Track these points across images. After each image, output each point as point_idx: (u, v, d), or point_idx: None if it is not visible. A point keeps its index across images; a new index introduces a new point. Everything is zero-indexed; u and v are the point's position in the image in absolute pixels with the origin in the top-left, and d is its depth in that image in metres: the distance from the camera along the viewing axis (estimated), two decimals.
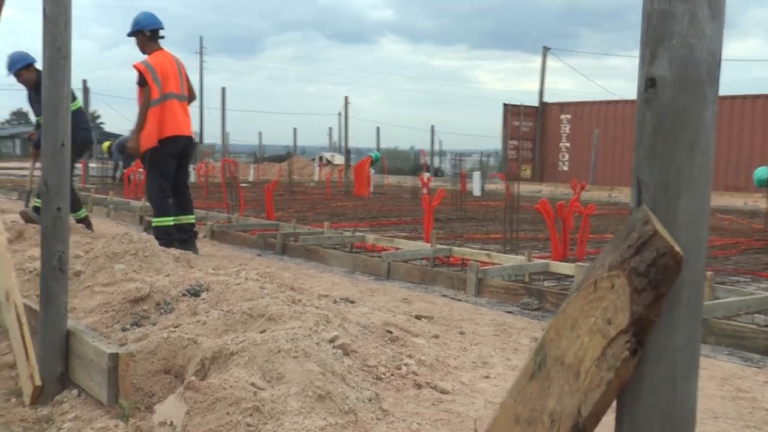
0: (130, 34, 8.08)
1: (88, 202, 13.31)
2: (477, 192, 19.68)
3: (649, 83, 1.15)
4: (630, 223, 1.16)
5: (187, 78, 8.15)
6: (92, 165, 23.12)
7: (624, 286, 1.13)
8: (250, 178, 27.34)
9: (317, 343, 3.28)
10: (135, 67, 7.84)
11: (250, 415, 2.75)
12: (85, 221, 9.20)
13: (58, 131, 3.38)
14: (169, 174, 7.87)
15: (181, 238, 7.83)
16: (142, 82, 7.76)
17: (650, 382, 1.14)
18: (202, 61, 61.49)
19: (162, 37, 8.12)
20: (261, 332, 3.55)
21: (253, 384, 2.93)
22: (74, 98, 8.97)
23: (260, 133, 47.50)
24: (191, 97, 8.17)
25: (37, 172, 11.55)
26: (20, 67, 8.61)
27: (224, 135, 28.80)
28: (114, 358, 3.10)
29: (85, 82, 26.37)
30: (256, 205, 14.02)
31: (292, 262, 7.89)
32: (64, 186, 3.42)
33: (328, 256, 7.80)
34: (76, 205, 9.32)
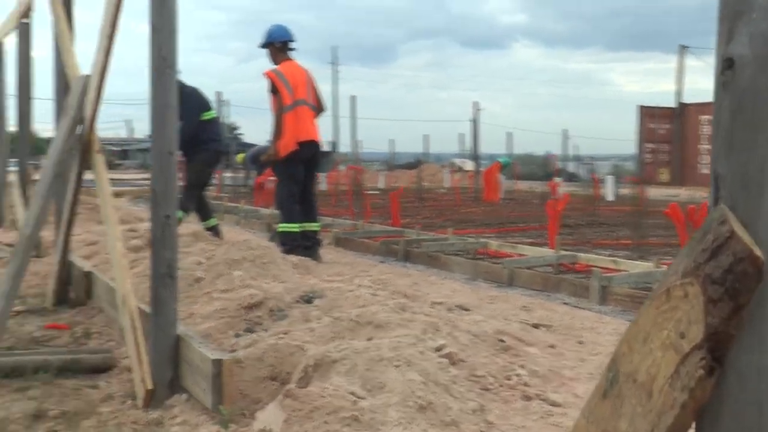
0: (261, 46, 8.27)
1: (220, 210, 13.67)
2: (610, 197, 19.12)
3: (726, 64, 1.00)
4: (706, 223, 1.02)
5: (316, 89, 8.24)
6: (227, 174, 23.79)
7: (698, 296, 0.99)
8: (380, 186, 27.49)
9: (421, 352, 3.19)
10: (266, 74, 8.00)
11: (348, 425, 2.69)
12: (215, 230, 9.41)
13: (164, 139, 3.43)
14: (299, 179, 7.96)
15: (304, 245, 7.90)
16: (274, 90, 7.92)
17: (732, 406, 1.00)
18: (335, 71, 62.58)
19: (292, 49, 8.27)
20: (368, 340, 3.50)
21: (352, 393, 2.87)
22: (209, 108, 9.23)
23: (391, 141, 47.89)
24: (320, 108, 8.26)
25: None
26: None
27: (354, 143, 29.10)
28: (218, 364, 3.10)
29: (219, 94, 27.14)
30: (384, 213, 14.06)
31: (414, 269, 7.84)
32: (172, 194, 3.46)
33: (450, 262, 7.71)
34: (207, 213, 9.56)
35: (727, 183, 1.00)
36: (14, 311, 5.42)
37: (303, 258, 6.31)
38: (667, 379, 1.03)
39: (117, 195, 20.66)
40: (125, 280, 3.84)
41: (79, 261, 6.15)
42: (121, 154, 63.90)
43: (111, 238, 4.06)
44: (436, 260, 7.93)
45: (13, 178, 9.60)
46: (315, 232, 8.12)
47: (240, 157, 26.15)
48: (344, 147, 50.57)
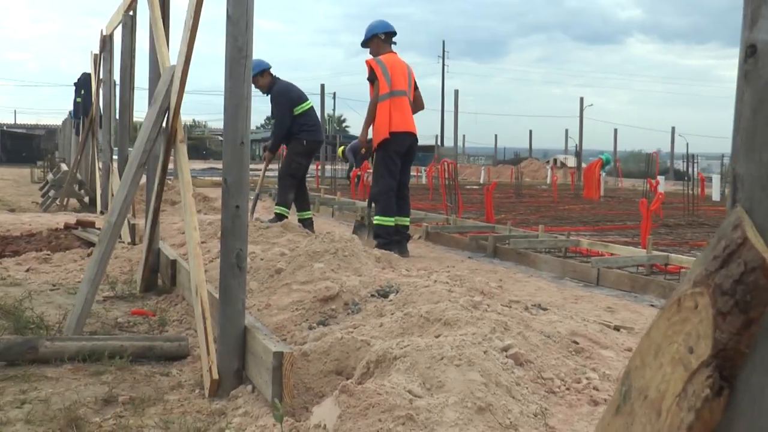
0: (365, 42, 8.26)
1: (315, 202, 13.79)
2: (716, 197, 18.45)
3: (748, 51, 0.90)
4: (722, 228, 0.92)
5: (416, 87, 8.20)
6: (328, 166, 24.00)
7: (707, 307, 0.89)
8: (481, 181, 27.29)
9: (485, 352, 3.10)
10: (366, 63, 8.01)
11: (403, 424, 2.63)
12: (308, 222, 9.48)
13: (237, 130, 3.44)
14: (396, 173, 7.94)
15: (394, 239, 7.87)
16: (372, 78, 7.93)
17: (745, 431, 0.90)
18: (444, 65, 62.38)
19: (394, 43, 8.25)
20: (436, 337, 3.43)
21: (410, 391, 2.81)
22: (301, 101, 9.31)
23: (495, 136, 47.43)
24: (419, 105, 8.24)
25: (270, 173, 12.10)
26: (255, 73, 9.03)
27: (456, 137, 28.97)
28: (279, 356, 3.09)
29: (323, 87, 27.29)
30: (480, 208, 13.92)
31: (501, 265, 7.72)
32: (243, 184, 3.47)
33: (538, 260, 7.56)
34: (304, 205, 9.64)
35: (746, 184, 0.90)
36: (104, 296, 5.59)
37: (386, 252, 6.27)
38: (675, 398, 0.93)
39: (216, 185, 21.21)
40: (200, 268, 3.88)
41: (168, 249, 6.28)
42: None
43: (188, 228, 4.11)
44: (525, 257, 7.79)
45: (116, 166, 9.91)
46: (405, 227, 8.08)
47: (341, 149, 26.41)
48: (448, 141, 50.31)
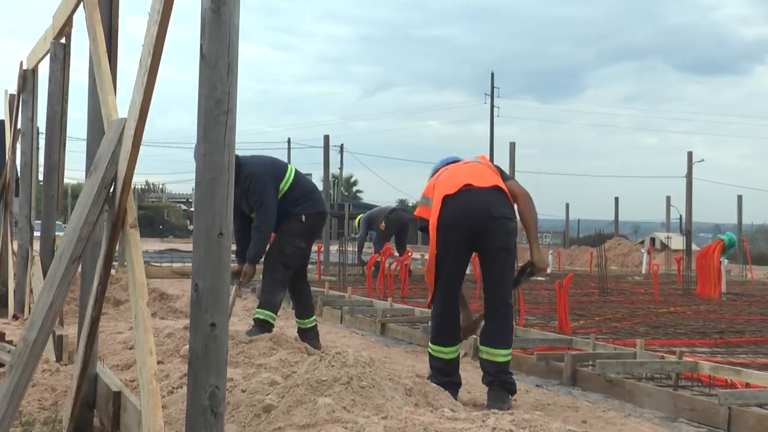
0: None
1: (318, 302, 13.75)
2: None
3: None
4: None
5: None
6: (332, 249, 24.07)
7: None
8: (548, 269, 27.18)
9: None
10: None
11: None
12: (310, 333, 9.40)
13: (214, 215, 3.42)
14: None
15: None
16: None
17: None
18: (493, 107, 63.08)
19: None
20: None
21: None
22: (284, 173, 9.30)
23: (567, 205, 47.58)
24: None
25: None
26: None
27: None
28: None
29: (327, 139, 27.58)
30: (549, 310, 13.83)
31: (584, 398, 7.61)
32: (222, 292, 3.43)
33: (638, 391, 7.44)
34: (305, 308, 9.55)
35: None
36: None
37: (420, 380, 6.18)
38: None
39: (183, 274, 21.21)
40: (156, 411, 3.81)
41: (109, 375, 6.21)
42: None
43: (141, 350, 4.06)
44: (618, 387, 7.67)
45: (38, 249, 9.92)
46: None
47: (358, 219, 26.48)
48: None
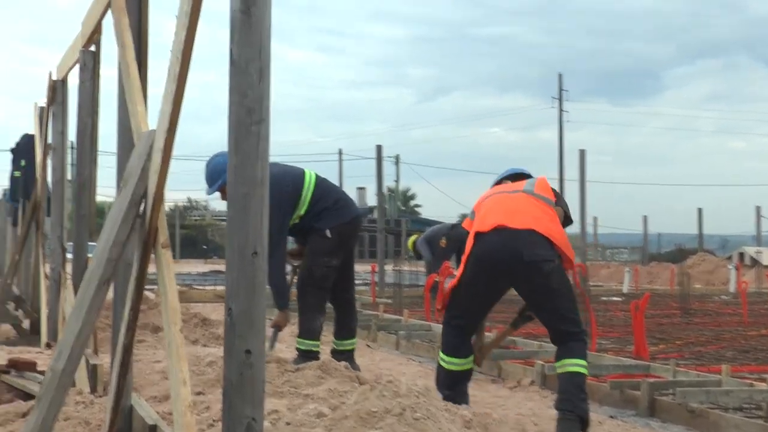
0: None
1: (371, 326, 13.75)
2: None
3: None
4: None
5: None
6: (387, 268, 24.08)
7: None
8: (624, 289, 27.03)
9: None
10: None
11: None
12: (346, 355, 9.34)
13: (248, 233, 3.42)
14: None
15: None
16: None
17: None
18: (561, 110, 62.76)
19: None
20: None
21: None
22: (301, 184, 9.11)
23: (645, 218, 47.20)
24: None
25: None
26: (222, 184, 8.78)
27: (583, 220, 28.89)
28: None
29: (379, 149, 27.62)
30: (625, 333, 13.73)
31: (663, 430, 7.58)
32: (256, 316, 3.44)
33: (724, 423, 7.36)
34: (346, 328, 9.51)
35: None
36: None
37: (482, 412, 6.17)
38: None
39: None
40: None
41: (145, 407, 6.25)
42: None
43: (174, 379, 4.09)
44: (702, 418, 7.58)
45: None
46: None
47: (411, 240, 26.43)
48: (573, 225, 50.39)
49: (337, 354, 9.22)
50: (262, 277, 3.47)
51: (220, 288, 23.36)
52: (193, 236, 58.86)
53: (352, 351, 9.49)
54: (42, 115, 12.86)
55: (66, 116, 11.01)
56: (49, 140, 12.08)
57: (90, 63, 8.78)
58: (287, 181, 9.09)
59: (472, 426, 5.78)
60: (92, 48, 8.74)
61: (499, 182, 8.20)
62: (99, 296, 4.79)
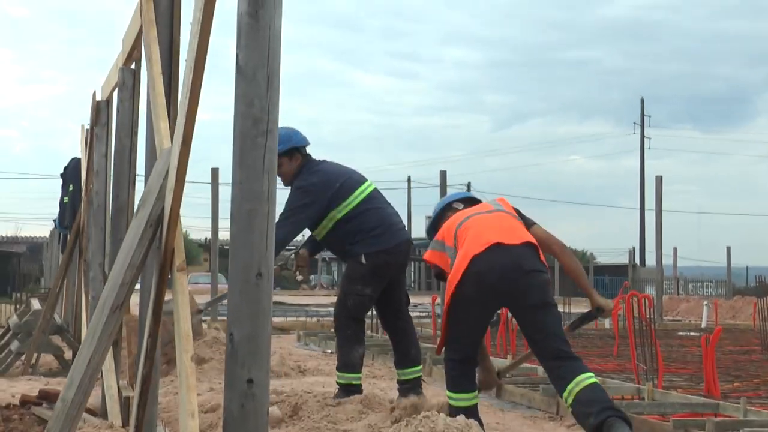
0: None
1: (427, 359, 13.57)
2: None
3: None
4: None
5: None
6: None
7: None
8: (703, 324, 26.64)
9: None
10: None
11: None
12: (413, 383, 9.16)
13: (252, 253, 3.31)
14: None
15: None
16: None
17: None
18: (643, 137, 62.32)
19: None
20: None
21: None
22: (355, 188, 8.94)
23: (728, 249, 46.66)
24: None
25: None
26: (280, 152, 8.39)
27: (659, 251, 28.58)
28: None
29: (443, 175, 27.36)
30: (698, 370, 13.45)
31: None
32: (261, 342, 3.32)
33: None
34: (407, 356, 9.31)
35: None
36: None
37: None
38: None
39: (283, 329, 21.20)
40: None
41: None
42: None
43: (182, 412, 3.97)
44: None
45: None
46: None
47: None
48: (651, 258, 49.94)
49: (402, 383, 9.06)
50: (267, 302, 3.35)
51: None
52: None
53: (417, 379, 9.24)
54: (87, 137, 12.88)
55: (110, 138, 11.00)
56: (94, 163, 12.07)
57: (129, 81, 8.75)
58: (339, 178, 9.01)
59: None
60: (132, 66, 8.71)
61: (444, 209, 8.24)
62: (111, 323, 4.71)
